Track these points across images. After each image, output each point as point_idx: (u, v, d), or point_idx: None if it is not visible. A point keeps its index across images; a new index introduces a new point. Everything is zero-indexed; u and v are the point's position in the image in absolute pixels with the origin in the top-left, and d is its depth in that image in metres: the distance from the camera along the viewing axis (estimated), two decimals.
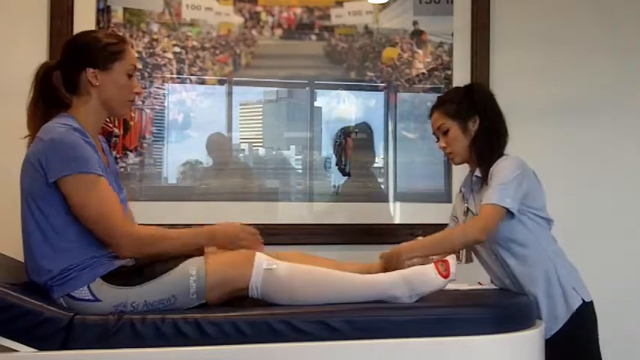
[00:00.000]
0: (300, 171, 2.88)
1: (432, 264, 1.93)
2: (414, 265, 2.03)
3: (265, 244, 2.16)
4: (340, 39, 2.91)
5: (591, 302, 2.21)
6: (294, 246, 2.40)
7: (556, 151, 3.02)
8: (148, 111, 2.74)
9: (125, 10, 2.72)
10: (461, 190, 2.38)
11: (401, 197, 2.94)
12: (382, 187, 2.94)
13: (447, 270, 1.90)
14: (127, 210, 1.97)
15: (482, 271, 2.36)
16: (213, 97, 2.82)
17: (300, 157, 2.88)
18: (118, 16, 2.71)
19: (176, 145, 2.78)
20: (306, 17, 2.89)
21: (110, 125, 2.67)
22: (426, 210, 2.86)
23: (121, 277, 1.81)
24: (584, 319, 2.19)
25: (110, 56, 1.90)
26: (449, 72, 2.96)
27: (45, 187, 1.78)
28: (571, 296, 2.17)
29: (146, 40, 2.74)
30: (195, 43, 2.79)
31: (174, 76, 2.77)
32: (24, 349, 1.67)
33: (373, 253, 2.22)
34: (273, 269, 1.84)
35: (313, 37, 2.90)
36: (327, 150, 2.90)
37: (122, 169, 2.65)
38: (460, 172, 2.87)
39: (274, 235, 2.49)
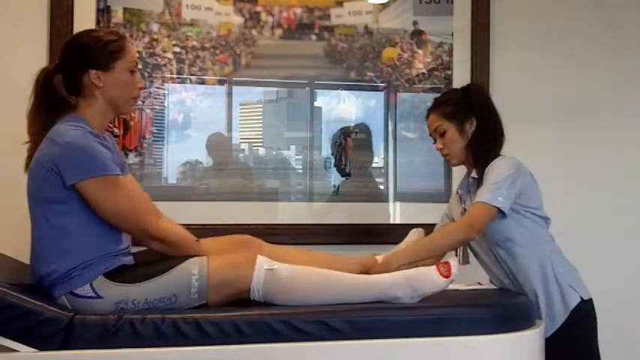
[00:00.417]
0: (300, 171, 2.89)
1: (434, 265, 1.93)
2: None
3: None
4: (340, 39, 2.91)
5: (590, 300, 2.21)
6: (294, 246, 2.40)
7: (556, 151, 3.02)
8: (148, 111, 2.74)
9: (125, 10, 2.72)
10: (458, 192, 2.38)
11: (401, 197, 2.94)
12: (382, 187, 2.94)
13: (448, 271, 1.90)
14: None
15: (482, 271, 2.36)
16: (213, 97, 2.82)
17: (300, 157, 2.88)
18: (118, 16, 2.71)
19: (176, 145, 2.78)
20: (306, 17, 2.89)
21: (110, 125, 2.66)
22: (425, 210, 2.86)
23: (123, 274, 1.82)
24: (582, 316, 2.18)
25: (111, 55, 1.90)
26: (449, 72, 2.96)
27: (61, 190, 1.78)
28: (569, 294, 2.17)
29: (146, 40, 2.74)
30: (195, 43, 2.79)
31: (174, 76, 2.77)
32: (24, 349, 1.67)
33: None
34: (274, 270, 1.85)
35: (313, 37, 2.90)
36: (327, 150, 2.90)
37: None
38: (460, 172, 2.87)
39: (274, 235, 2.48)
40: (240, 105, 2.84)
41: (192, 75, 2.78)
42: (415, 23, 2.96)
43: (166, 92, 2.77)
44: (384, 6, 2.94)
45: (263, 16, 2.85)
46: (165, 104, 2.77)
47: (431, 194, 2.93)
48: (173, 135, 2.78)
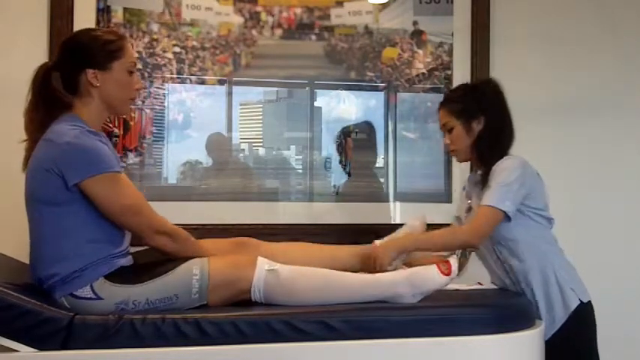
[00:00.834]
0: (300, 171, 2.88)
1: (434, 264, 1.93)
2: (396, 267, 2.07)
3: None
4: (340, 39, 2.91)
5: (589, 303, 2.20)
6: (291, 242, 2.39)
7: (556, 151, 3.01)
8: (148, 111, 2.74)
9: (125, 10, 2.72)
10: (464, 188, 2.38)
11: (401, 197, 2.94)
12: (382, 187, 2.94)
13: (449, 269, 1.91)
14: None
15: (483, 271, 2.36)
16: (213, 97, 2.81)
17: (300, 157, 2.88)
18: (118, 16, 2.71)
19: (176, 145, 2.78)
20: (306, 17, 2.89)
21: (110, 125, 2.67)
22: (426, 210, 2.84)
23: (123, 275, 1.82)
24: (582, 319, 2.18)
25: (109, 55, 1.90)
26: (449, 72, 2.96)
27: (62, 191, 1.77)
28: (569, 297, 2.17)
29: (146, 40, 2.74)
30: (195, 43, 2.78)
31: (174, 76, 2.77)
32: (24, 349, 1.67)
33: None
34: (275, 270, 1.85)
35: (313, 37, 2.90)
36: (327, 150, 2.90)
37: (123, 170, 2.65)
38: (460, 172, 2.88)
39: (274, 235, 2.48)
40: (240, 105, 2.84)
41: (192, 75, 2.78)
42: (415, 23, 2.96)
43: (166, 92, 2.77)
44: (384, 6, 2.94)
45: (263, 16, 2.85)
46: (165, 104, 2.76)
47: (431, 194, 2.93)
48: (173, 135, 2.78)
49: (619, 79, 3.09)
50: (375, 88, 2.95)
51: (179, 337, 1.72)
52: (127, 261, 1.89)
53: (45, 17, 2.63)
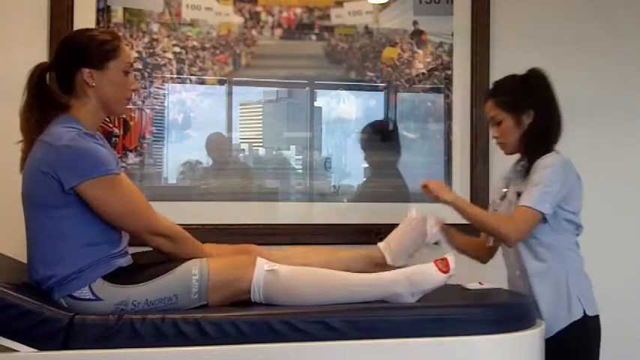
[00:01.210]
0: (300, 171, 2.88)
1: (432, 262, 1.94)
2: (432, 231, 2.14)
3: (265, 244, 2.16)
4: (340, 39, 2.91)
5: (597, 318, 2.16)
6: (294, 246, 2.39)
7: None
8: (148, 111, 2.74)
9: (125, 10, 2.72)
10: (504, 177, 2.33)
11: (401, 197, 2.93)
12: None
13: (446, 266, 1.92)
14: None
15: (483, 271, 2.36)
16: (213, 97, 2.81)
17: (300, 157, 2.88)
18: (118, 16, 2.71)
19: (176, 145, 2.78)
20: (306, 17, 2.89)
21: (110, 125, 2.67)
22: (426, 210, 2.84)
23: (122, 276, 1.82)
24: (584, 332, 2.14)
25: (105, 55, 1.89)
26: (449, 72, 2.96)
27: (59, 195, 1.77)
28: (574, 306, 2.14)
29: (146, 40, 2.74)
30: (195, 43, 2.78)
31: (175, 76, 2.77)
32: (24, 349, 1.67)
33: None
34: (274, 270, 1.85)
35: (313, 37, 2.90)
36: (327, 150, 2.90)
37: (122, 169, 2.64)
38: (460, 172, 2.88)
39: (274, 235, 2.49)
40: (240, 105, 2.84)
41: (192, 75, 2.78)
42: (415, 23, 2.96)
43: (166, 92, 2.77)
44: (384, 6, 2.94)
45: (263, 16, 2.85)
46: (165, 104, 2.76)
47: None
48: (173, 135, 2.78)
49: (619, 79, 3.08)
50: (375, 88, 2.95)
51: (179, 337, 1.72)
52: (125, 261, 1.88)
53: (45, 17, 2.63)
